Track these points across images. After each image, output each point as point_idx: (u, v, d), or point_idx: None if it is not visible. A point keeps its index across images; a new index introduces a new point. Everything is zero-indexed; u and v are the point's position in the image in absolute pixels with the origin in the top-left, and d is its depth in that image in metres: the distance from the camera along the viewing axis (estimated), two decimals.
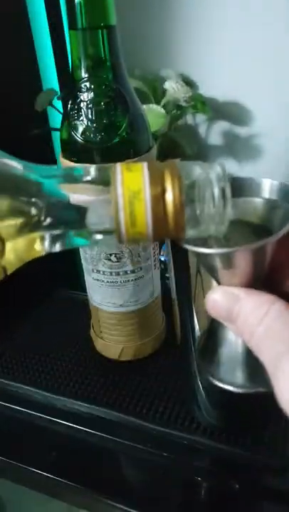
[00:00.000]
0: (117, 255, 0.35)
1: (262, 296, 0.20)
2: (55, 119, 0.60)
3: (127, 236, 0.18)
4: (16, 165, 0.19)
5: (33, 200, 0.18)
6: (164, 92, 0.53)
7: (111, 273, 0.36)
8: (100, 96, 0.31)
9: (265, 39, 0.53)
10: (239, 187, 0.22)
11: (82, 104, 0.31)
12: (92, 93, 0.31)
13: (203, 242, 0.21)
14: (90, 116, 0.31)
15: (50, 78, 0.59)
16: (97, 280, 0.38)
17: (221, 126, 0.60)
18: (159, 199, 0.18)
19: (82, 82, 0.31)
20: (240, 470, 0.33)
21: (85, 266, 0.38)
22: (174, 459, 0.34)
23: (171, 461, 0.34)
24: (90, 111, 0.31)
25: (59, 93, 0.55)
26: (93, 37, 0.30)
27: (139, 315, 0.39)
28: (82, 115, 0.31)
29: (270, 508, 0.32)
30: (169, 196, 0.18)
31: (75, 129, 0.31)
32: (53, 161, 0.60)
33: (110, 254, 0.35)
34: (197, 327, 0.29)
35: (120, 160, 0.21)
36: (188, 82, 0.56)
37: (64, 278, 0.54)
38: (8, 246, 0.18)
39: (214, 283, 0.22)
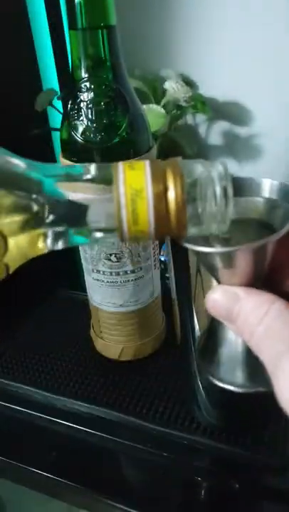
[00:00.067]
0: (117, 255, 0.35)
1: (262, 296, 0.20)
2: (55, 119, 0.60)
3: (129, 234, 0.18)
4: (18, 162, 0.19)
5: (35, 196, 0.18)
6: (164, 92, 0.53)
7: (111, 273, 0.36)
8: (100, 96, 0.31)
9: (265, 39, 0.53)
10: (239, 187, 0.22)
11: (82, 104, 0.31)
12: (92, 93, 0.31)
13: (204, 241, 0.21)
14: (90, 116, 0.31)
15: (50, 78, 0.59)
16: (97, 280, 0.38)
17: (221, 126, 0.60)
18: (161, 197, 0.18)
19: (82, 82, 0.31)
20: (240, 470, 0.33)
21: (85, 266, 0.38)
22: (174, 459, 0.34)
23: (171, 461, 0.34)
24: (90, 111, 0.31)
25: (59, 93, 0.55)
26: (93, 37, 0.30)
27: (139, 315, 0.39)
28: (82, 115, 0.31)
29: (270, 507, 0.32)
30: (171, 194, 0.18)
31: (75, 129, 0.31)
32: (52, 161, 0.59)
33: (110, 254, 0.35)
34: (197, 327, 0.29)
35: (120, 160, 0.21)
36: (188, 82, 0.56)
37: (64, 277, 0.54)
38: (11, 243, 0.18)
39: (214, 282, 0.22)
